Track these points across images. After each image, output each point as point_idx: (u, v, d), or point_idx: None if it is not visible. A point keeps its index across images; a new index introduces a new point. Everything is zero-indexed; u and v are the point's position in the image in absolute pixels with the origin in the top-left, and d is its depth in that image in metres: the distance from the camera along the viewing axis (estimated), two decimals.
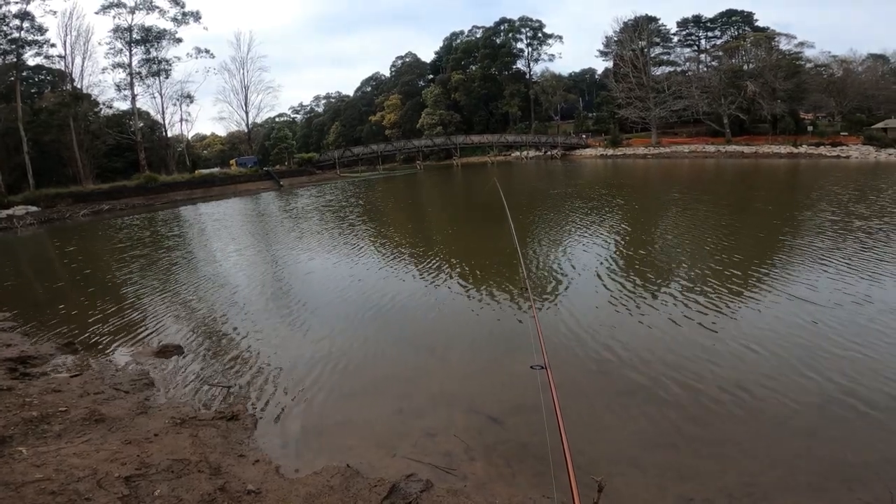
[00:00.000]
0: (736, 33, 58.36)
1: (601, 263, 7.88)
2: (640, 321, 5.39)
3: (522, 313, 5.74)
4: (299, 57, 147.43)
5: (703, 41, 62.06)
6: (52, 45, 40.52)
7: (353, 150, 56.08)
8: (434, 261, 9.14)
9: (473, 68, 75.76)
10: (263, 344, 5.24)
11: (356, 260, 10.02)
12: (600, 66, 75.33)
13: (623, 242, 9.97)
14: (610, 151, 51.32)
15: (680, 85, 52.43)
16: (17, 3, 37.71)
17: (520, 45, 74.86)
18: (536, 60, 75.09)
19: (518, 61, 75.15)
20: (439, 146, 59.57)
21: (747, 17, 58.75)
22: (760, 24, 57.78)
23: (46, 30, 40.14)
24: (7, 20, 37.28)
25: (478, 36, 77.69)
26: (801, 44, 51.54)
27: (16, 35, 38.03)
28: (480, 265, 8.51)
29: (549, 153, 56.65)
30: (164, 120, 49.02)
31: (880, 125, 45.26)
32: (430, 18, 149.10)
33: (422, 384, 4.20)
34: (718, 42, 59.86)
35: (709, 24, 60.64)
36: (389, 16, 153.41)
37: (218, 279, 9.06)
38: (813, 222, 10.78)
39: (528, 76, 74.39)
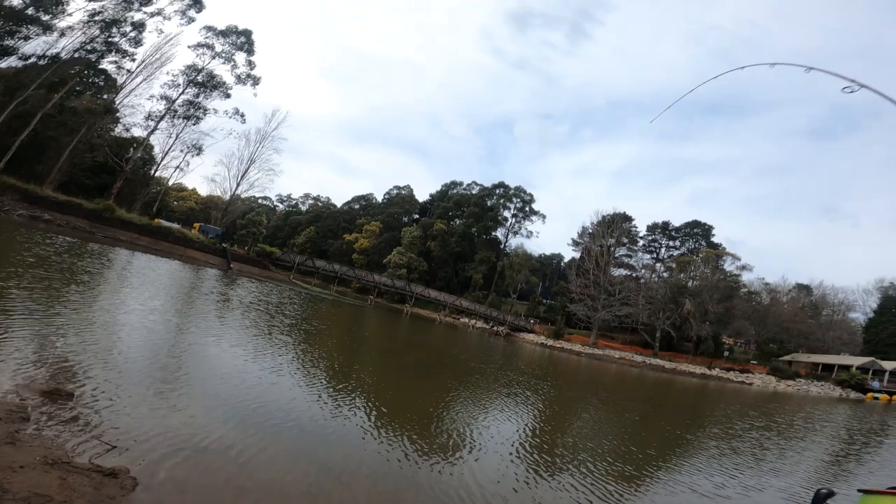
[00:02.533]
0: (693, 245, 64.34)
1: (511, 437, 8.15)
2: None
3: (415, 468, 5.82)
4: (309, 148, 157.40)
5: (663, 249, 67.92)
6: (133, 59, 42.71)
7: (316, 263, 56.91)
8: (348, 396, 9.16)
9: (458, 222, 79.29)
10: (156, 415, 5.08)
11: (264, 362, 9.91)
12: (569, 254, 79.82)
13: (535, 425, 10.34)
14: (550, 342, 53.05)
15: (630, 291, 55.29)
16: (144, 12, 40.93)
17: (506, 213, 79.49)
18: (516, 233, 79.57)
19: (499, 229, 79.19)
20: (397, 289, 61.16)
21: (707, 231, 65.43)
22: (716, 239, 64.55)
23: (142, 45, 42.61)
24: (123, 24, 39.71)
25: (474, 192, 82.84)
26: (743, 267, 57.53)
27: (116, 39, 40.25)
28: (397, 413, 8.60)
29: (495, 328, 58.63)
30: (161, 160, 49.65)
31: (787, 358, 51.85)
32: (440, 159, 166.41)
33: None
34: (676, 253, 65.41)
35: (673, 234, 67.03)
36: (406, 143, 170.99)
37: (126, 336, 8.70)
38: (698, 437, 11.76)
39: (502, 246, 78.28)
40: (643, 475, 7.97)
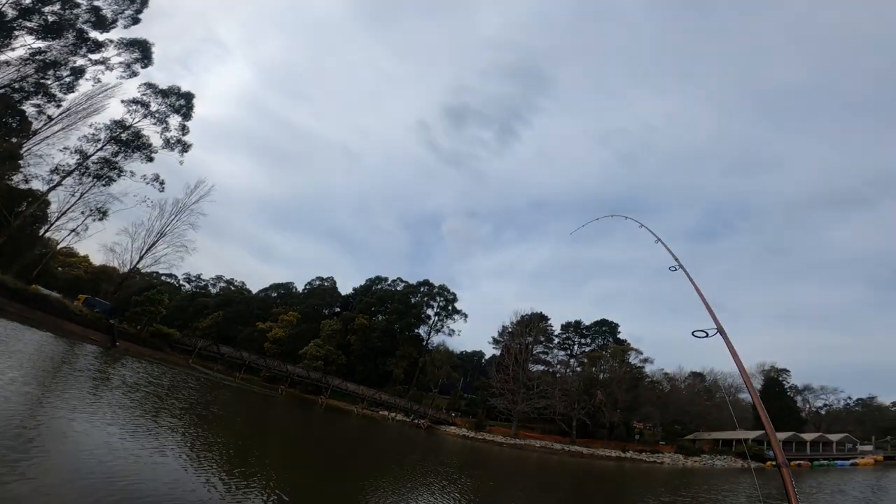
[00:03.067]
0: (602, 342, 68.48)
1: None
2: None
3: None
4: (229, 227, 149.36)
5: (576, 346, 71.65)
6: (59, 105, 38.71)
7: (221, 348, 51.27)
8: (247, 486, 7.61)
9: (380, 318, 78.41)
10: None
11: (146, 442, 8.18)
12: (489, 351, 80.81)
13: None
14: (472, 434, 52.44)
15: (548, 385, 57.58)
16: (88, 59, 38.37)
17: (429, 311, 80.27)
18: (438, 330, 79.85)
19: (422, 326, 79.32)
20: (312, 380, 56.44)
21: (613, 328, 69.87)
22: (622, 335, 69.11)
23: (74, 91, 39.04)
24: (63, 68, 36.88)
25: (398, 288, 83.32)
26: (645, 360, 62.40)
27: (48, 82, 37.00)
28: None
29: (416, 421, 55.20)
30: (56, 219, 42.70)
31: (690, 437, 56.92)
32: (366, 251, 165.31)
33: None
34: (587, 349, 69.19)
35: (584, 331, 71.23)
36: (332, 231, 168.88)
37: None
38: None
39: (424, 343, 77.85)
40: None
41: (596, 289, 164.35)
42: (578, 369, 66.37)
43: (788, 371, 73.04)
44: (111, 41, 41.30)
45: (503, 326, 71.66)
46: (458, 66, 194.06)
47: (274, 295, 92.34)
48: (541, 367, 66.60)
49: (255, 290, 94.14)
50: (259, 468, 8.67)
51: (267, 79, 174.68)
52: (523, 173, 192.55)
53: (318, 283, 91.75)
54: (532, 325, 65.95)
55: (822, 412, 74.91)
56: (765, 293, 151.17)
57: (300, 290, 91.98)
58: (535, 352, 66.82)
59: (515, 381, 57.49)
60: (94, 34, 39.72)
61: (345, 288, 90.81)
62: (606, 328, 71.33)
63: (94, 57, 40.04)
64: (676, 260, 5.92)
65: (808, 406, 75.14)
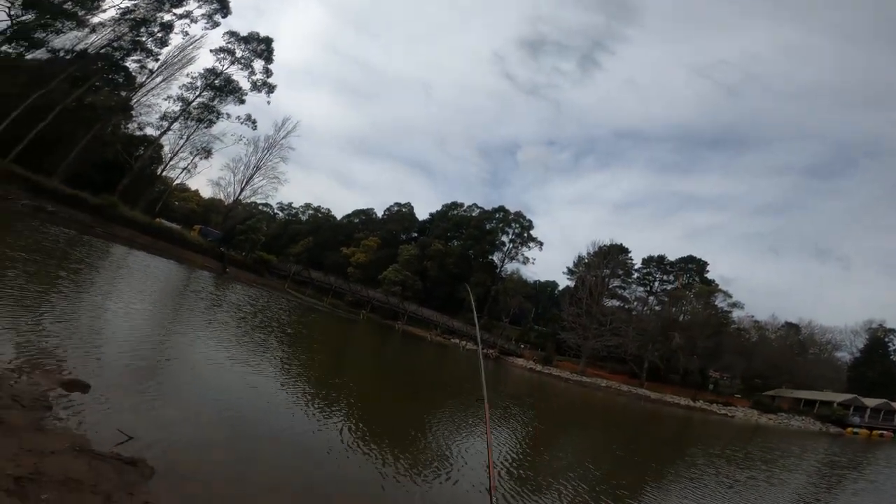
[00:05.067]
0: (687, 281, 64.62)
1: (497, 457, 8.31)
2: None
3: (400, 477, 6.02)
4: (314, 158, 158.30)
5: (657, 283, 67.86)
6: (156, 59, 43.34)
7: (311, 274, 57.06)
8: (338, 407, 9.35)
9: (455, 243, 79.60)
10: (168, 412, 5.32)
11: (259, 366, 10.11)
12: (563, 282, 79.41)
13: (522, 447, 10.50)
14: (539, 367, 53.49)
15: (622, 322, 55.80)
16: (174, 13, 41.86)
17: (504, 238, 79.78)
18: (512, 258, 79.54)
19: (496, 252, 79.60)
20: (390, 305, 61.10)
21: (702, 267, 65.78)
22: (710, 275, 64.66)
23: (168, 45, 43.32)
24: (152, 24, 40.57)
25: (474, 214, 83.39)
26: (734, 304, 58.47)
27: (143, 39, 41.12)
28: (385, 428, 8.78)
29: (486, 350, 58.47)
30: (169, 160, 50.02)
31: (771, 393, 53.18)
32: (443, 178, 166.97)
33: None
34: (670, 287, 65.51)
35: (668, 268, 67.18)
36: (410, 159, 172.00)
37: (130, 330, 8.93)
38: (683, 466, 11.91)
39: (498, 270, 78.52)
40: (633, 499, 8.19)
41: (685, 223, 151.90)
42: (657, 308, 63.20)
43: None
44: None
45: (579, 257, 69.76)
46: None
47: (356, 221, 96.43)
48: (616, 303, 64.35)
49: (339, 217, 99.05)
50: (340, 394, 10.41)
51: (338, 18, 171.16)
52: (607, 103, 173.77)
53: (396, 208, 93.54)
54: (610, 257, 63.05)
55: None
56: (886, 239, 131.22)
57: (380, 216, 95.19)
58: (611, 286, 64.25)
59: (588, 315, 56.18)
60: None
61: (422, 213, 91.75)
62: (693, 266, 66.71)
63: (178, 11, 42.93)
64: None
65: None
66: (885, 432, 43.87)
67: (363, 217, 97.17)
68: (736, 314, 59.35)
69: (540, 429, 15.26)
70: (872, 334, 63.53)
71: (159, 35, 42.10)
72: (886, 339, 62.91)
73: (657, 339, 53.53)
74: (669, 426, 26.77)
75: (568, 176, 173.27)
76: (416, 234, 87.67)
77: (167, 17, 42.18)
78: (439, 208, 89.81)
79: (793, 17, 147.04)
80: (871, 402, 48.76)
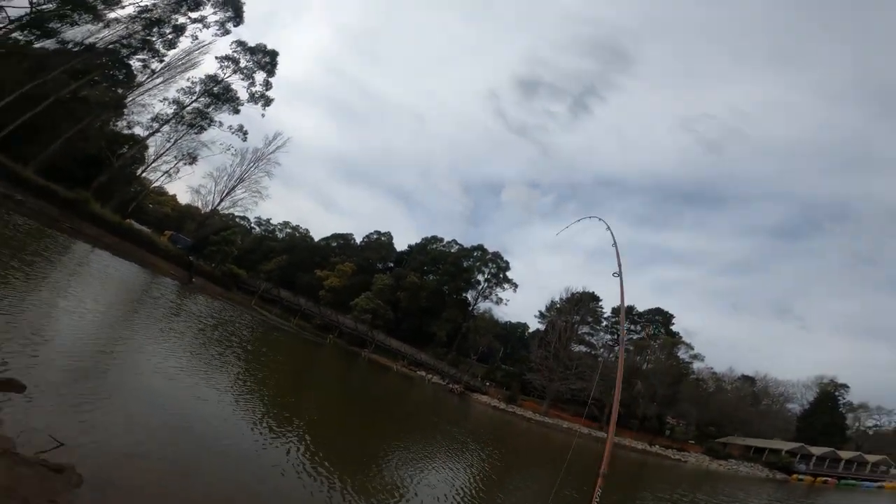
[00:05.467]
0: (654, 331, 65.99)
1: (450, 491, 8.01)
2: None
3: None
4: (298, 176, 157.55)
5: None
6: (162, 61, 43.19)
7: (281, 293, 55.79)
8: (290, 427, 8.96)
9: (431, 277, 79.82)
10: (103, 418, 4.98)
11: (209, 377, 9.67)
12: (534, 324, 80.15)
13: (473, 482, 10.18)
14: (503, 405, 53.57)
15: (587, 367, 56.72)
16: (189, 17, 42.07)
17: (480, 277, 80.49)
18: (486, 297, 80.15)
19: (470, 291, 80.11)
20: (359, 332, 60.01)
21: (667, 319, 67.27)
22: (675, 328, 66.34)
23: (176, 48, 43.32)
24: (166, 25, 40.60)
25: (452, 250, 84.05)
26: (695, 356, 60.96)
27: (153, 38, 41.05)
28: (337, 454, 8.43)
29: (450, 385, 57.66)
30: (153, 161, 48.94)
31: (723, 440, 55.38)
32: (424, 210, 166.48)
33: None
34: (636, 337, 66.48)
35: (636, 318, 68.24)
36: (393, 188, 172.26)
37: (75, 330, 8.46)
38: None
39: (471, 308, 78.89)
40: None
41: (655, 275, 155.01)
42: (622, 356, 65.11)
43: (848, 387, 68.05)
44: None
45: (552, 301, 70.76)
46: (533, 37, 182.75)
47: (334, 244, 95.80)
48: (584, 349, 65.42)
49: (317, 239, 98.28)
50: (295, 416, 9.94)
51: (343, 40, 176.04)
52: (592, 150, 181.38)
53: (375, 236, 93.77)
54: (581, 304, 64.55)
55: (871, 432, 70.15)
56: (842, 302, 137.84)
57: (358, 242, 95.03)
58: (580, 332, 65.45)
59: (556, 358, 57.04)
60: None
61: (400, 244, 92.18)
62: (660, 318, 68.50)
63: (194, 15, 43.40)
64: (620, 268, 6.67)
65: (857, 424, 70.55)
66: (829, 479, 45.69)
67: (341, 241, 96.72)
68: (696, 365, 62.20)
69: (494, 466, 14.92)
70: (823, 388, 66.81)
71: (170, 37, 42.24)
72: (836, 393, 66.32)
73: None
74: (625, 469, 26.67)
75: (549, 219, 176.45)
76: (392, 265, 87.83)
77: (181, 20, 42.48)
78: (419, 241, 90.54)
79: (777, 71, 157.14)
80: (817, 450, 51.15)
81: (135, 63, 42.57)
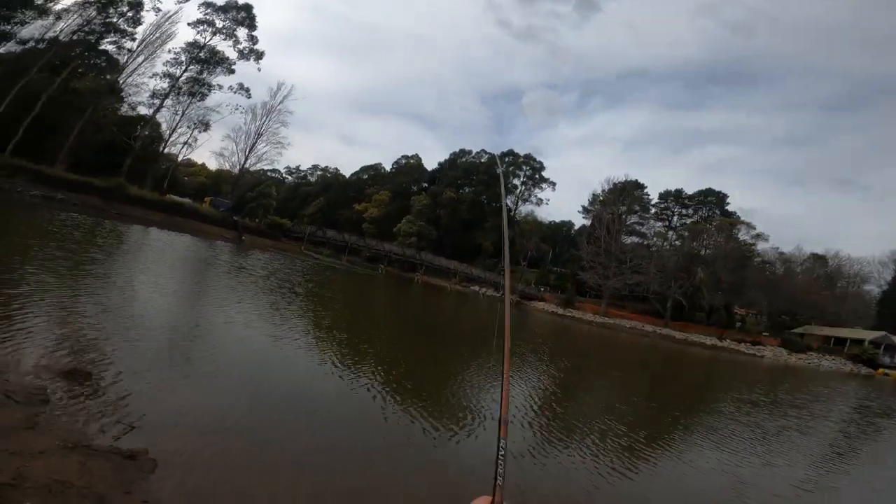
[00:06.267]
0: (707, 214, 62.98)
1: (526, 404, 8.30)
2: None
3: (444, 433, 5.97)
4: (316, 120, 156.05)
5: (675, 217, 66.22)
6: (133, 39, 42.57)
7: (326, 233, 57.25)
8: (368, 369, 9.34)
9: (467, 190, 79.23)
10: (176, 393, 5.23)
11: (282, 332, 10.11)
12: (579, 221, 79.24)
13: (547, 392, 10.53)
14: (560, 310, 53.08)
15: (642, 259, 54.60)
16: None
17: (516, 181, 79.42)
18: (526, 200, 79.63)
19: (509, 197, 78.71)
20: (407, 257, 61.35)
21: (721, 199, 63.89)
22: (730, 208, 62.58)
23: (141, 23, 42.51)
24: (120, 5, 39.66)
25: (483, 160, 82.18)
26: (758, 235, 56.30)
27: (114, 20, 40.29)
28: (412, 386, 8.78)
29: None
30: (169, 136, 49.94)
31: (799, 330, 51.20)
32: (448, 129, 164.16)
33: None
34: (689, 221, 63.93)
35: (686, 202, 65.52)
36: (413, 113, 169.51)
37: (143, 313, 8.89)
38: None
39: (512, 213, 78.11)
40: (655, 450, 8.10)
41: (699, 158, 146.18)
42: (677, 243, 61.56)
43: None
44: None
45: (593, 195, 68.27)
46: None
47: (365, 177, 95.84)
48: (635, 239, 62.96)
49: (347, 175, 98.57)
50: (377, 351, 10.43)
51: None
52: (607, 46, 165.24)
53: (403, 161, 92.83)
54: (626, 194, 61.55)
55: None
56: None
57: (388, 170, 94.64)
58: (628, 222, 62.83)
59: (607, 253, 55.18)
60: None
61: (430, 164, 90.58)
62: (713, 198, 64.38)
63: None
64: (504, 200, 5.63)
65: None
66: None
67: (372, 172, 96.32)
68: (760, 246, 56.94)
69: (562, 376, 15.29)
70: None
71: (129, 14, 41.27)
72: None
73: (679, 275, 52.12)
74: (697, 369, 26.25)
75: (574, 118, 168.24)
76: (426, 185, 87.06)
77: None
78: (447, 157, 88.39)
79: None
80: (873, 334, 46.36)
81: (109, 47, 42.04)
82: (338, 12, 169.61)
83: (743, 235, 56.93)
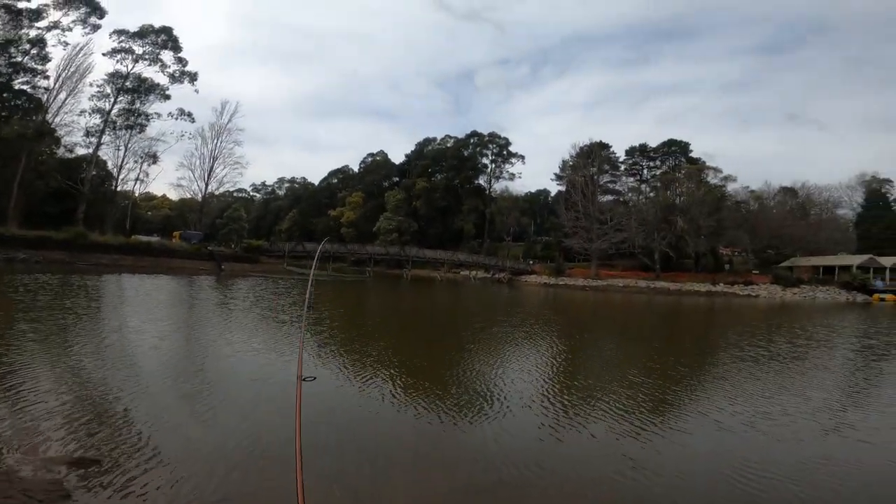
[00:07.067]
0: (674, 163, 64.47)
1: (537, 377, 7.99)
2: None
3: None
4: (273, 133, 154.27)
5: (645, 171, 67.85)
6: (47, 77, 40.45)
7: (306, 247, 56.06)
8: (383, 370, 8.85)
9: (439, 177, 79.77)
10: (187, 465, 4.67)
11: (284, 361, 9.55)
12: (554, 188, 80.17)
13: (556, 362, 10.27)
14: (552, 280, 53.47)
15: (621, 216, 55.75)
16: (38, 28, 38.87)
17: (485, 161, 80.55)
18: (498, 178, 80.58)
19: (481, 176, 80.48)
20: (392, 255, 60.75)
21: (684, 148, 65.44)
22: (694, 154, 64.38)
23: (50, 59, 40.33)
24: (19, 44, 37.49)
25: (448, 145, 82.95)
26: (726, 178, 58.09)
27: (19, 59, 38.31)
28: (421, 379, 8.36)
29: (496, 276, 59.11)
30: (118, 174, 47.90)
31: (787, 263, 51.76)
32: (409, 119, 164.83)
33: None
34: (658, 172, 65.61)
35: (652, 154, 67.00)
36: (370, 110, 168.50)
37: (132, 372, 8.19)
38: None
39: (487, 192, 79.28)
40: (674, 409, 7.87)
41: (658, 109, 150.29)
42: (652, 195, 62.91)
43: (892, 181, 62.33)
44: (47, 5, 39.88)
45: (563, 161, 69.07)
46: None
47: (335, 181, 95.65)
48: (611, 198, 64.24)
49: (316, 182, 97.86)
50: (381, 349, 9.95)
51: None
52: (551, 15, 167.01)
53: (370, 159, 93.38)
54: (594, 155, 62.58)
55: None
56: (856, 102, 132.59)
57: (356, 171, 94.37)
58: (602, 182, 63.99)
59: (587, 216, 55.89)
60: (23, 4, 38.38)
61: (397, 157, 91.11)
62: (676, 148, 65.84)
63: (41, 24, 39.69)
64: None
65: None
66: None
67: (341, 176, 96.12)
68: (730, 187, 58.63)
69: (566, 344, 15.10)
70: (868, 187, 62.25)
71: (33, 51, 39.19)
72: (883, 190, 61.88)
73: (660, 227, 53.27)
74: (696, 318, 25.68)
75: (530, 89, 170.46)
76: (397, 179, 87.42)
77: (33, 33, 39.03)
78: (413, 148, 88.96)
79: None
80: (887, 261, 45.79)
81: (24, 87, 39.86)
82: (267, 19, 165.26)
83: (712, 179, 58.35)
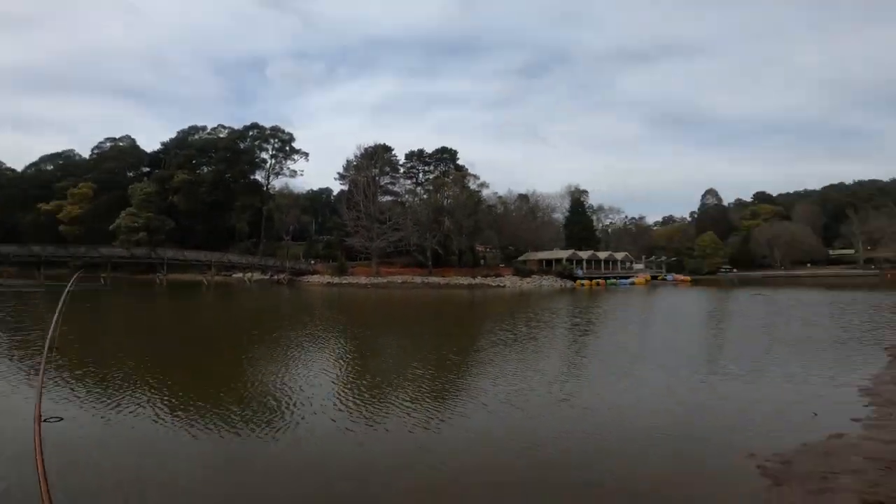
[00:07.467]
0: (444, 169, 70.76)
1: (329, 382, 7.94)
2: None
3: None
4: None
5: (421, 174, 72.93)
6: None
7: (5, 250, 41.26)
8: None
9: (205, 170, 71.18)
10: None
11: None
12: (337, 187, 79.56)
13: (342, 365, 10.40)
14: (336, 279, 53.24)
15: (399, 216, 59.07)
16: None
17: (264, 155, 75.24)
18: (278, 174, 76.09)
19: (259, 171, 75.00)
20: (139, 259, 50.44)
21: (453, 155, 72.12)
22: (461, 162, 71.77)
23: None
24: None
25: (222, 135, 74.94)
26: (482, 184, 66.45)
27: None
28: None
29: (275, 277, 55.21)
30: None
31: (522, 258, 64.09)
32: (171, 104, 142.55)
33: None
34: (432, 176, 71.19)
35: (427, 159, 72.32)
36: (116, 88, 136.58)
37: None
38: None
39: (266, 188, 74.19)
40: (458, 388, 8.95)
41: (436, 118, 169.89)
42: (425, 197, 68.04)
43: (587, 192, 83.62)
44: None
45: (347, 161, 69.26)
46: None
47: (50, 167, 74.98)
48: (390, 199, 67.58)
49: (20, 168, 74.44)
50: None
51: None
52: (358, 11, 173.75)
53: (109, 144, 77.26)
54: (377, 157, 65.01)
55: (609, 230, 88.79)
56: (572, 124, 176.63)
57: (86, 157, 75.56)
58: (382, 183, 66.83)
59: (367, 216, 57.46)
60: None
61: (150, 145, 78.27)
62: (447, 155, 72.87)
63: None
64: None
65: (600, 225, 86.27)
66: (600, 282, 54.09)
67: (60, 162, 76.50)
68: (485, 192, 67.73)
69: (352, 343, 15.41)
70: (573, 196, 79.68)
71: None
72: (582, 199, 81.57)
73: (432, 227, 58.91)
74: (463, 310, 29.26)
75: (324, 86, 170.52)
76: (147, 169, 74.76)
77: None
78: (174, 136, 77.41)
79: None
80: (584, 254, 61.31)
81: None
82: None
83: (472, 185, 66.91)
